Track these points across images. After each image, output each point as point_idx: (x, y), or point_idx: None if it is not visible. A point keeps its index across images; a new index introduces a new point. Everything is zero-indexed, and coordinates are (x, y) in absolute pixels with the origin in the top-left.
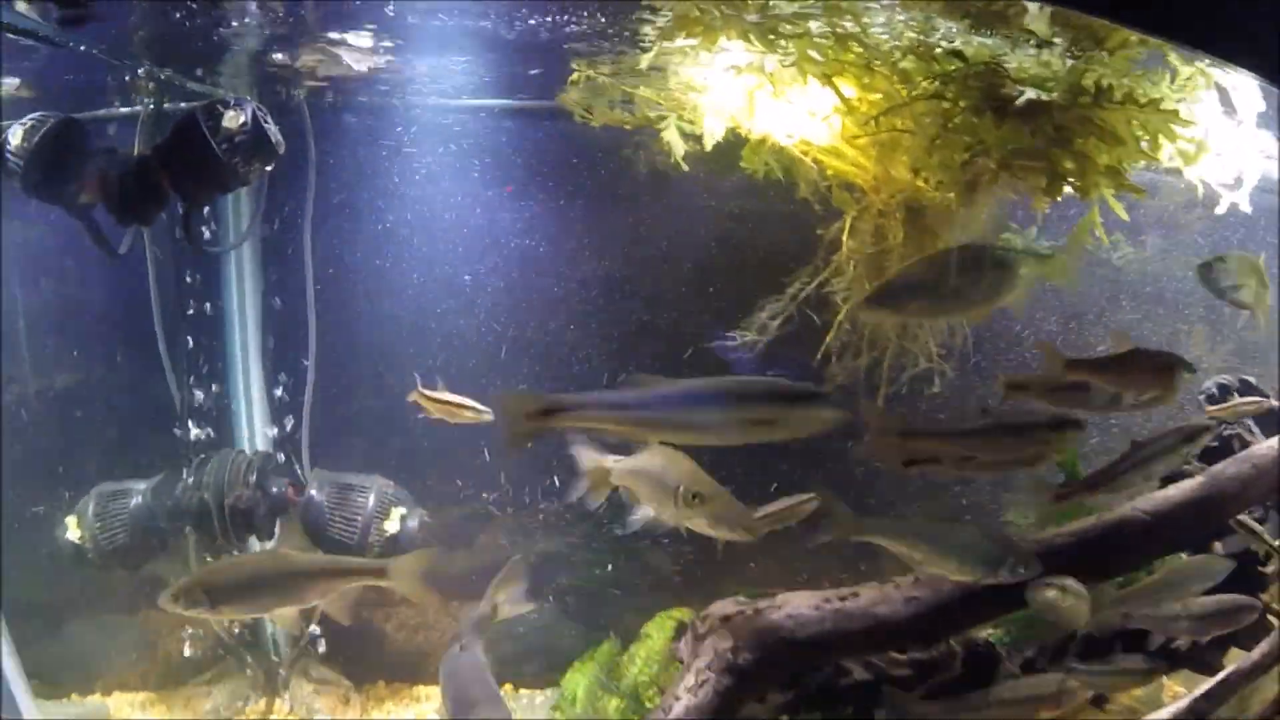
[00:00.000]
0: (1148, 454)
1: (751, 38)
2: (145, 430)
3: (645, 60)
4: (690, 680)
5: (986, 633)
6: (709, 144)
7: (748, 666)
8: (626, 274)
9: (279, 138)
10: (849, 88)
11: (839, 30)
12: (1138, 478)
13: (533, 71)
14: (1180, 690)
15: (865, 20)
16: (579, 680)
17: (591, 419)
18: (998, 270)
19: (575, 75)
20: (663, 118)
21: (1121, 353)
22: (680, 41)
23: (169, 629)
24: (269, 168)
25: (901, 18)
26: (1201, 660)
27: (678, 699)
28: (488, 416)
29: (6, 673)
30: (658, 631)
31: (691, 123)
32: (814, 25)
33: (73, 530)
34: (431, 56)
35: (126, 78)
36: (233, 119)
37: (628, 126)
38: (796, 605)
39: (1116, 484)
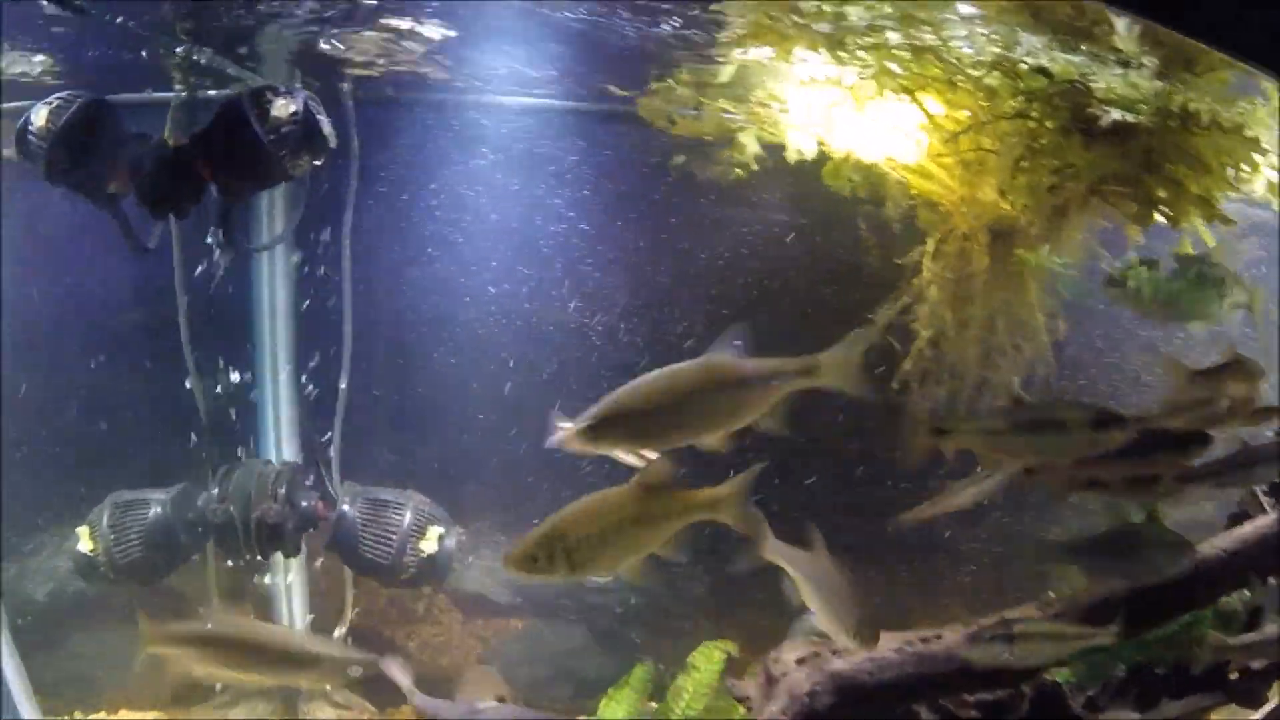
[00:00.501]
0: (1253, 456)
1: (821, 48)
2: (164, 436)
3: (725, 73)
4: None
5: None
6: (792, 158)
7: (825, 712)
8: (690, 294)
9: (331, 130)
10: (935, 104)
11: (917, 43)
12: (1240, 479)
13: (597, 73)
14: None
15: (945, 33)
16: (616, 710)
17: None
18: None
19: (656, 84)
20: (742, 129)
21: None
22: (754, 52)
23: None
24: (318, 163)
25: (983, 31)
26: (1248, 691)
27: None
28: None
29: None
30: (705, 663)
31: (773, 134)
32: (893, 37)
33: (85, 541)
34: (492, 50)
35: (162, 54)
36: (283, 107)
37: (708, 137)
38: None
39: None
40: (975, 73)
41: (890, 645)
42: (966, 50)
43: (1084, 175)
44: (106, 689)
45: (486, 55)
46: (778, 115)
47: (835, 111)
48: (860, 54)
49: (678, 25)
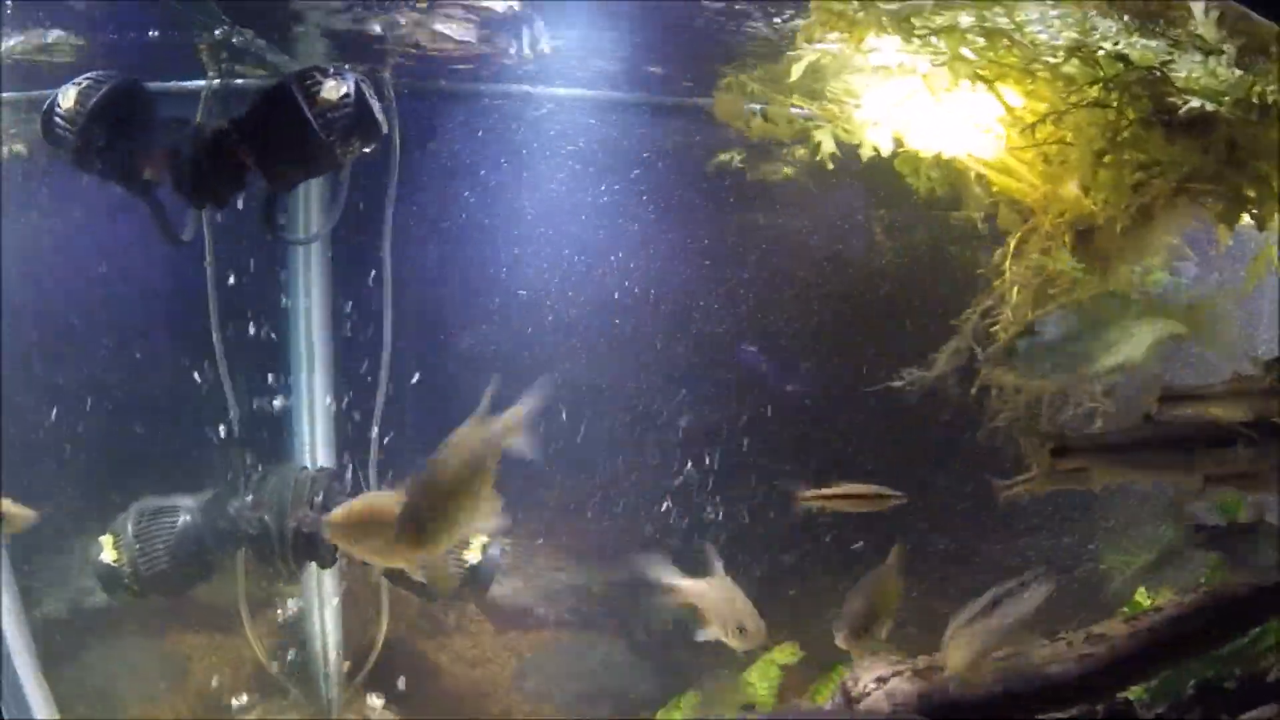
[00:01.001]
0: None
1: (890, 29)
2: (195, 441)
3: (798, 69)
4: None
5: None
6: (865, 155)
7: None
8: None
9: (383, 116)
10: (1013, 94)
11: (989, 25)
12: None
13: (653, 69)
14: None
15: (1019, 16)
16: None
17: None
18: None
19: (726, 80)
20: (818, 126)
21: None
22: (822, 45)
23: (202, 654)
24: (368, 150)
25: (1055, 13)
26: None
27: None
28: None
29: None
30: (761, 679)
31: (848, 132)
32: (964, 19)
33: (108, 551)
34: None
35: (197, 36)
36: (332, 89)
37: (785, 138)
38: None
39: None
40: (1053, 59)
41: None
42: (1042, 35)
43: (1168, 171)
44: (128, 703)
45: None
46: (851, 111)
47: (911, 105)
48: (932, 40)
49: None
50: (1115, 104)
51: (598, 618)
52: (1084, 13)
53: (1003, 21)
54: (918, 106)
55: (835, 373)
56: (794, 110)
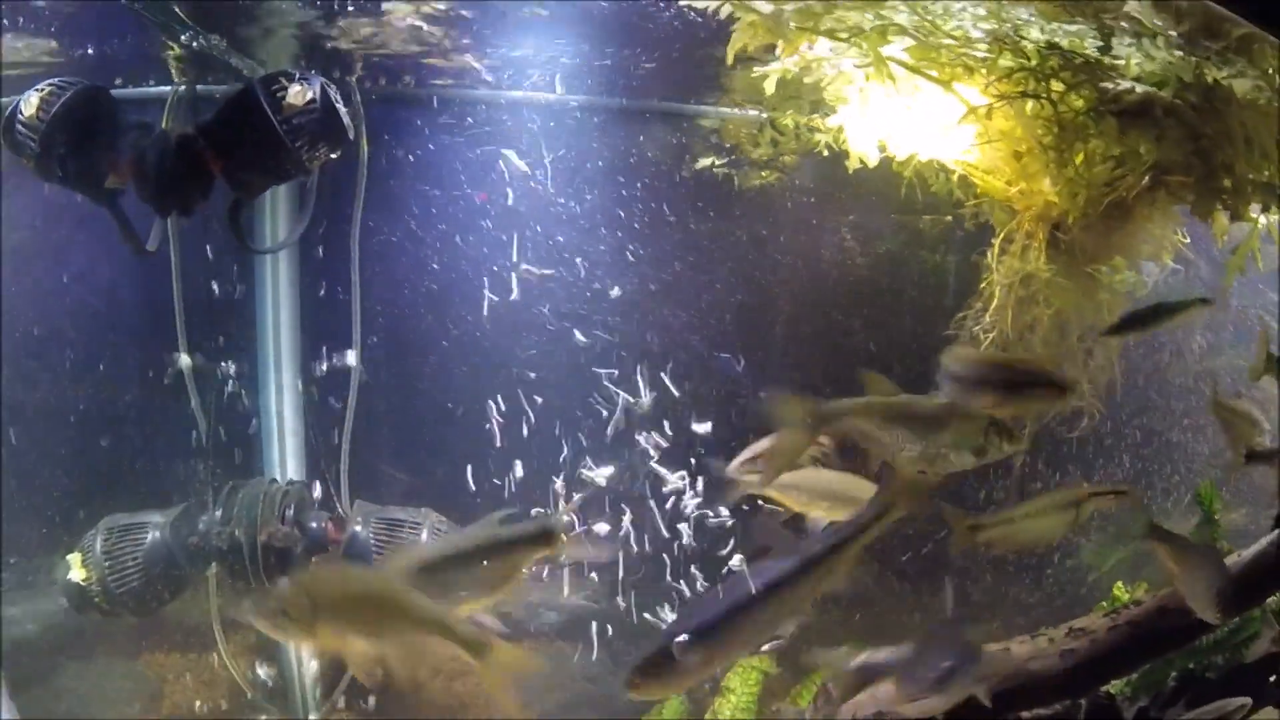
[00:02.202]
0: None
1: (807, 34)
2: (162, 455)
3: (770, 83)
4: None
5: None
6: (852, 166)
7: None
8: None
9: (349, 121)
10: (972, 92)
11: (888, 21)
12: None
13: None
14: None
15: (929, 9)
16: None
17: None
18: None
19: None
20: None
21: None
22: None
23: (176, 674)
24: (334, 155)
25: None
26: None
27: None
28: None
29: None
30: (741, 685)
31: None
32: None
33: (76, 570)
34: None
35: (163, 42)
36: (298, 95)
37: (792, 156)
38: None
39: None
40: (982, 53)
41: None
42: (963, 27)
43: (1133, 163)
44: None
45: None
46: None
47: (888, 110)
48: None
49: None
50: (1046, 94)
51: (579, 629)
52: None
53: (901, 18)
54: (893, 110)
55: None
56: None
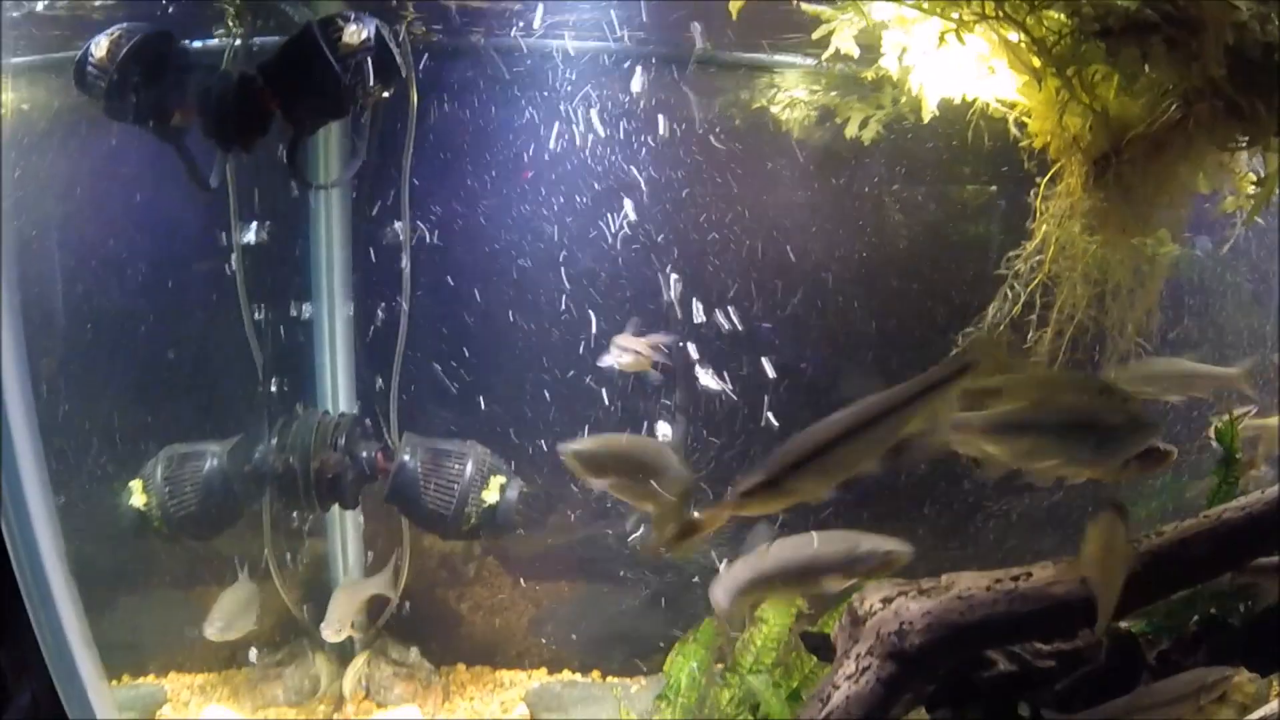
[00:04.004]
0: None
1: None
2: (221, 386)
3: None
4: (850, 668)
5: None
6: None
7: (914, 652)
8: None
9: (402, 60)
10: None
11: None
12: None
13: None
14: None
15: None
16: (683, 665)
17: None
18: None
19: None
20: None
21: None
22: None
23: None
24: (387, 94)
25: None
26: None
27: (836, 688)
28: None
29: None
30: (775, 617)
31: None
32: None
33: (137, 496)
34: None
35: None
36: (354, 34)
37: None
38: (967, 586)
39: None
40: None
41: (981, 583)
42: None
43: (1152, 90)
44: (156, 653)
45: None
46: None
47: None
48: None
49: None
50: (1008, 15)
51: (614, 569)
52: None
53: None
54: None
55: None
56: None
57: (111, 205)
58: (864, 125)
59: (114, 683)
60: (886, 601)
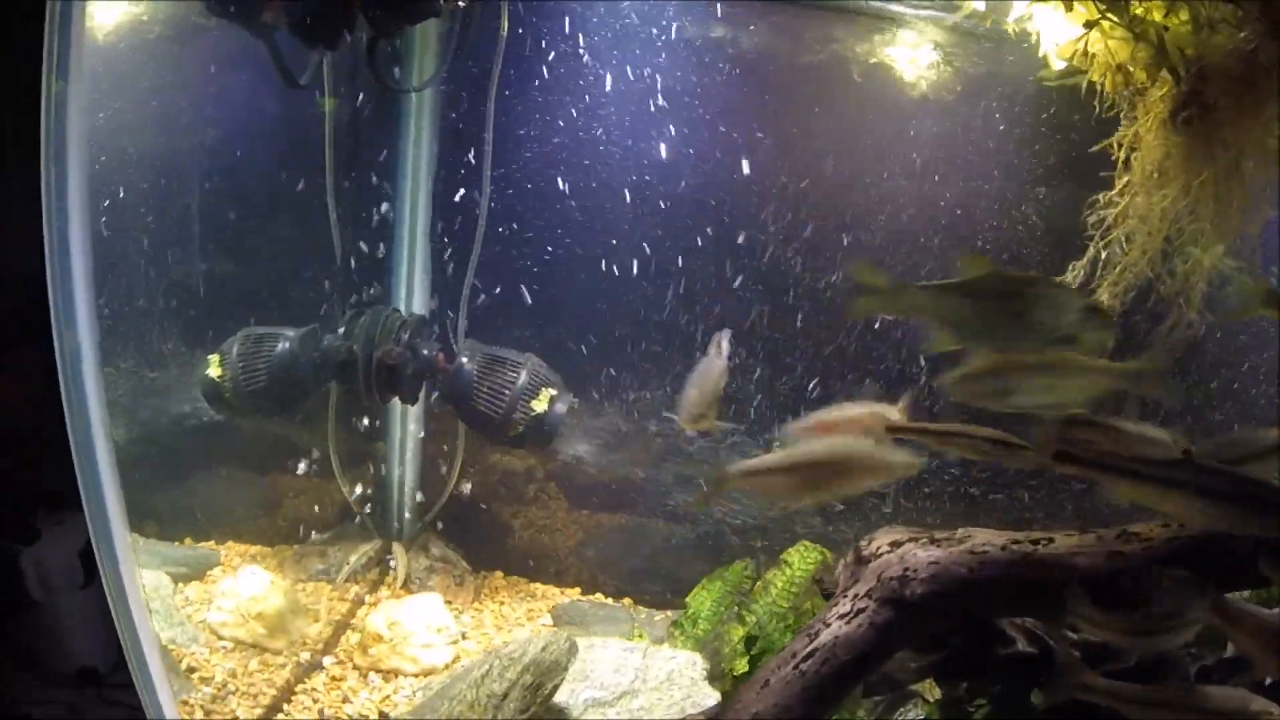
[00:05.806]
0: None
1: None
2: (302, 279)
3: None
4: (845, 607)
5: None
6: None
7: (915, 600)
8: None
9: None
10: None
11: None
12: None
13: None
14: None
15: None
16: (705, 598)
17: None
18: None
19: None
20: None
21: None
22: None
23: (296, 492)
24: (463, 3)
25: None
26: None
27: (826, 625)
28: None
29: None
30: (800, 560)
31: None
32: None
33: (214, 368)
34: None
35: None
36: None
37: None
38: (981, 541)
39: None
40: None
41: (997, 540)
42: None
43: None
44: (221, 524)
45: None
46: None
47: None
48: None
49: None
50: None
51: (665, 505)
52: None
53: None
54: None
55: None
56: None
57: (212, 102)
58: None
59: (176, 543)
60: (895, 545)
